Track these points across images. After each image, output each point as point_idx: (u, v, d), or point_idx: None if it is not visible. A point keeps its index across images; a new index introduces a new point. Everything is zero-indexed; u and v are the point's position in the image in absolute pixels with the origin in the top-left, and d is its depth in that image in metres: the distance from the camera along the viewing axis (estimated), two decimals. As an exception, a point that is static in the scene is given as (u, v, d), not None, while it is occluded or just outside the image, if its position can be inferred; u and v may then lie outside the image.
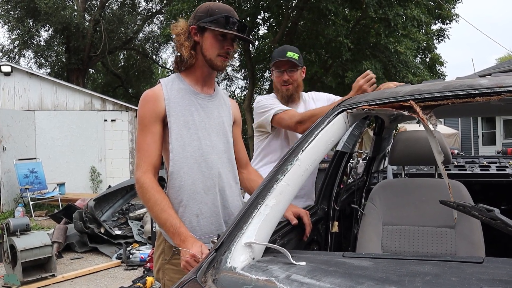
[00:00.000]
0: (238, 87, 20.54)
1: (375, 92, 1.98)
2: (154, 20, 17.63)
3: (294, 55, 2.47)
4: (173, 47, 18.82)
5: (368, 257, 1.37)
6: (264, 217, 1.34)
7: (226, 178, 1.89)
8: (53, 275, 4.74)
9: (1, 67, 9.85)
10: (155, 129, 1.75)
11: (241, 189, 2.03)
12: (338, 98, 2.76)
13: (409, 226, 2.33)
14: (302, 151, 1.58)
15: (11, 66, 10.04)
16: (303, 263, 1.16)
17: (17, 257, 4.49)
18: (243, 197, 2.12)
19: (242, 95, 19.13)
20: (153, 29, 18.33)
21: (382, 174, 3.82)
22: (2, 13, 15.04)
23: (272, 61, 2.55)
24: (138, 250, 5.45)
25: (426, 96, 1.61)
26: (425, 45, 13.45)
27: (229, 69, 18.49)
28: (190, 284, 1.10)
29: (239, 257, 1.20)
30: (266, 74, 16.13)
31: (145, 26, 17.84)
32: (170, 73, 21.68)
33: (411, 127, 13.28)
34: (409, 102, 1.64)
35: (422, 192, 2.34)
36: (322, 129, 1.69)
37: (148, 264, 4.86)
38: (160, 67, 21.81)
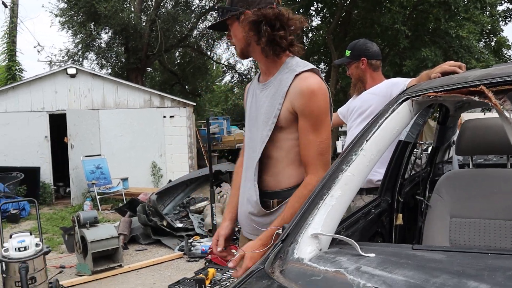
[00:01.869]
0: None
1: (441, 78, 1.88)
2: (208, 17, 17.91)
3: (347, 52, 2.85)
4: (227, 43, 19.03)
5: (439, 250, 1.31)
6: (330, 208, 1.32)
7: (250, 174, 1.75)
8: (120, 265, 4.97)
9: (67, 69, 10.44)
10: None
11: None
12: (400, 80, 2.79)
13: (479, 219, 2.21)
14: (367, 140, 1.54)
15: (76, 68, 10.61)
16: (372, 255, 1.13)
17: (87, 248, 4.75)
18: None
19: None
20: (206, 25, 18.65)
21: (446, 165, 3.66)
22: (66, 19, 15.91)
23: None
24: (199, 242, 5.58)
25: (499, 80, 1.51)
26: (489, 28, 12.65)
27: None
28: (258, 274, 1.11)
29: (306, 248, 1.19)
30: (321, 66, 15.93)
31: (199, 23, 18.17)
32: (224, 68, 21.98)
33: (469, 116, 12.63)
34: (480, 87, 1.55)
35: (493, 183, 2.22)
36: (386, 118, 1.64)
37: (209, 256, 4.97)
38: (215, 63, 22.15)
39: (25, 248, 3.93)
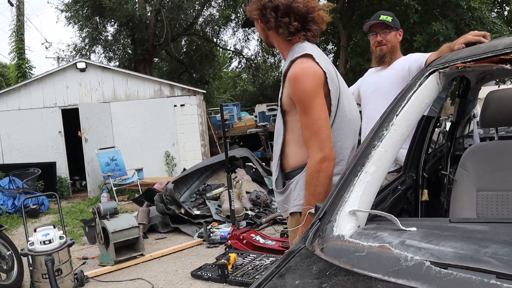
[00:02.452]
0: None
1: (468, 48, 1.84)
2: (212, 3, 17.78)
3: (387, 18, 2.69)
4: (233, 28, 18.88)
5: (479, 222, 1.29)
6: (365, 185, 1.31)
7: (275, 156, 1.91)
8: (142, 254, 5.02)
9: (77, 64, 10.46)
10: None
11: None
12: (420, 55, 2.73)
13: (506, 191, 2.18)
14: (397, 115, 1.51)
15: (86, 63, 10.62)
16: (414, 229, 1.11)
17: (109, 239, 4.81)
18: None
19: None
20: (212, 12, 18.53)
21: (467, 139, 3.61)
22: (72, 14, 15.89)
23: (367, 26, 2.75)
24: (218, 228, 5.61)
25: (532, 46, 1.47)
26: (501, -2, 12.36)
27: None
28: (301, 253, 1.10)
29: (345, 226, 1.18)
30: (329, 47, 15.74)
31: (204, 10, 18.03)
32: (231, 54, 21.86)
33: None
34: (511, 55, 1.51)
35: (519, 154, 2.18)
36: (414, 92, 1.61)
37: (229, 241, 5.00)
38: (221, 49, 22.03)
39: (50, 241, 4.00)
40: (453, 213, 2.32)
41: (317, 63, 1.70)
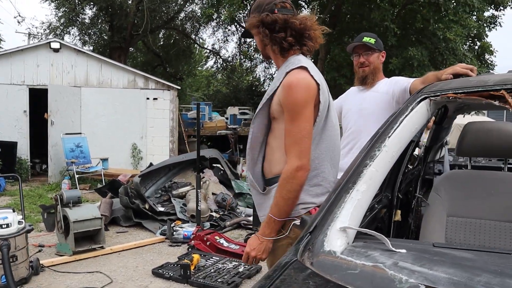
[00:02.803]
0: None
1: (459, 79, 1.91)
2: (196, 0, 17.64)
3: (370, 39, 2.72)
4: (213, 28, 18.82)
5: (462, 249, 1.33)
6: (356, 202, 1.33)
7: (252, 159, 1.93)
8: (102, 247, 4.90)
9: (51, 43, 10.12)
10: None
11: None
12: (401, 79, 2.80)
13: (475, 219, 2.26)
14: (389, 137, 1.55)
15: (60, 43, 10.29)
16: (404, 251, 1.14)
17: (69, 228, 4.66)
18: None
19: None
20: (194, 9, 18.39)
21: (437, 164, 3.73)
22: (50, -10, 15.41)
23: (350, 47, 2.79)
24: (181, 227, 5.55)
25: (520, 86, 1.54)
26: (475, 32, 12.86)
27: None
28: (295, 265, 1.10)
29: (336, 241, 1.19)
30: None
31: (186, 5, 17.87)
32: (209, 53, 21.74)
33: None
34: (501, 92, 1.58)
35: (490, 185, 2.27)
36: (406, 116, 1.65)
37: (193, 241, 4.95)
38: (199, 47, 21.87)
39: (8, 225, 3.84)
40: (424, 235, 2.38)
41: (312, 75, 1.77)
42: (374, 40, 2.75)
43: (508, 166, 2.58)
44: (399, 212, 2.52)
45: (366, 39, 2.71)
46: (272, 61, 2.02)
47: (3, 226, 3.80)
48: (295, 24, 1.78)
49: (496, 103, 1.59)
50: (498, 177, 2.35)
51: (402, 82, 2.76)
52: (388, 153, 1.51)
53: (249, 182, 1.97)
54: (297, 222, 1.54)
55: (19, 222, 3.95)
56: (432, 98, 1.75)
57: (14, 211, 3.98)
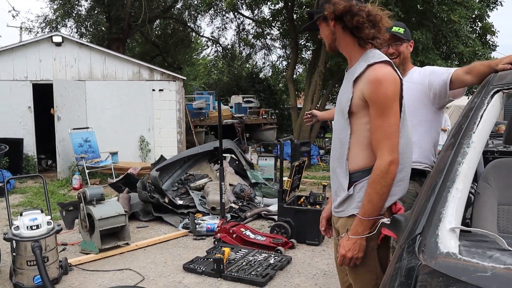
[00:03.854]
0: (278, 56, 20.30)
1: None
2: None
3: (399, 29, 2.65)
4: (211, 16, 18.60)
5: None
6: (457, 201, 1.30)
7: (332, 160, 1.96)
8: (127, 243, 4.87)
9: (53, 37, 9.95)
10: None
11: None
12: (439, 68, 2.71)
13: (527, 207, 2.26)
14: (474, 133, 1.53)
15: (62, 37, 10.12)
16: None
17: (94, 226, 4.62)
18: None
19: (284, 64, 18.85)
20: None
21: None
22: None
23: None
24: (203, 220, 5.53)
25: None
26: (477, 12, 12.76)
27: (267, 38, 18.22)
28: (425, 270, 1.08)
29: (449, 242, 1.17)
30: (309, 44, 15.82)
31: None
32: (208, 42, 21.54)
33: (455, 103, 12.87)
34: None
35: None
36: (484, 110, 1.63)
37: (218, 234, 4.93)
38: (198, 36, 21.64)
39: (38, 227, 3.80)
40: (476, 224, 2.37)
41: (395, 70, 1.75)
42: (403, 29, 2.69)
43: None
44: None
45: (395, 29, 2.64)
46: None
47: (33, 227, 3.76)
48: (376, 17, 1.76)
49: None
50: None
51: (440, 73, 2.66)
52: (476, 149, 1.49)
53: (333, 180, 1.96)
54: (386, 220, 1.51)
55: (48, 223, 3.92)
56: (505, 90, 1.72)
57: (42, 211, 3.94)
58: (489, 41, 14.12)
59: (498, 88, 1.73)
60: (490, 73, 2.29)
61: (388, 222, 1.50)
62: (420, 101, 2.67)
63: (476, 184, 2.72)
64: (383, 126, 1.71)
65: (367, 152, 1.80)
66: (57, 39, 9.90)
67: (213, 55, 22.00)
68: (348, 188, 1.84)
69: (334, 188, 1.95)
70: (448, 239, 1.18)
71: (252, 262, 4.19)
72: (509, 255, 1.09)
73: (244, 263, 4.16)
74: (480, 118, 1.60)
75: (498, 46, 14.71)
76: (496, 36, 14.18)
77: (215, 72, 23.43)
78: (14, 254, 3.83)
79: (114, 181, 7.43)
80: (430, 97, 2.65)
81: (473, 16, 13.14)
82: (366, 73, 1.74)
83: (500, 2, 13.75)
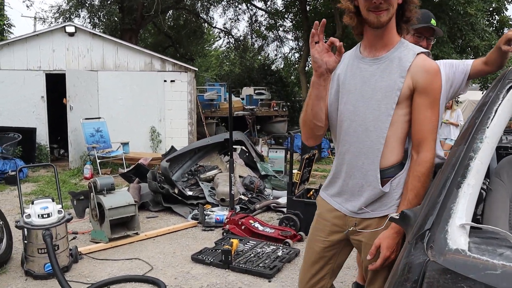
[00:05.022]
0: (290, 48, 20.17)
1: None
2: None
3: (435, 22, 2.51)
4: (223, 7, 18.55)
5: None
6: (469, 197, 1.27)
7: (358, 150, 1.76)
8: (137, 233, 4.91)
9: (66, 27, 10.00)
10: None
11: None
12: (456, 61, 2.65)
13: (541, 203, 2.21)
14: (487, 127, 1.49)
15: (75, 27, 10.16)
16: None
17: (104, 215, 4.66)
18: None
19: (296, 56, 18.71)
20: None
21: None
22: (58, -28, 15.18)
23: (416, 27, 2.41)
24: (212, 211, 5.54)
25: None
26: (494, 5, 12.52)
27: (280, 29, 18.10)
28: (433, 267, 1.05)
29: (459, 239, 1.14)
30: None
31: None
32: (221, 33, 21.50)
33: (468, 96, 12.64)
34: None
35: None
36: (499, 105, 1.59)
37: (227, 226, 4.94)
38: (211, 27, 21.61)
39: (49, 215, 3.84)
40: (487, 221, 2.33)
41: None
42: (435, 22, 2.57)
43: None
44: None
45: (433, 21, 2.49)
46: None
47: (44, 216, 3.80)
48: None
49: None
50: None
51: (459, 66, 2.60)
52: (489, 144, 1.45)
53: (355, 178, 1.79)
54: (395, 215, 1.49)
55: (59, 212, 3.96)
56: (521, 85, 1.67)
57: (53, 200, 3.98)
58: (506, 35, 13.86)
59: None
60: (500, 55, 2.26)
61: (397, 217, 1.47)
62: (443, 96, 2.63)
63: (488, 180, 2.68)
64: (432, 119, 1.67)
65: (401, 147, 1.73)
66: (70, 29, 9.94)
67: (225, 46, 21.95)
68: (382, 186, 1.73)
69: (354, 186, 1.79)
70: (458, 236, 1.15)
71: (260, 254, 4.20)
72: (520, 253, 1.06)
73: (252, 255, 4.16)
74: (495, 113, 1.56)
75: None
76: (514, 30, 13.92)
77: (227, 63, 23.39)
78: (25, 241, 3.89)
79: (125, 171, 7.47)
80: (448, 89, 2.60)
81: (490, 9, 12.91)
82: (419, 62, 1.66)
83: (520, -6, 13.45)
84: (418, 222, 1.31)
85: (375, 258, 1.66)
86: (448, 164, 1.45)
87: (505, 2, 12.84)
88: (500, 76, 1.88)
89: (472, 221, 1.28)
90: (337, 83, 1.82)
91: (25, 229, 3.84)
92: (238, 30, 30.23)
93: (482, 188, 2.76)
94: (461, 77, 2.57)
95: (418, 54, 1.67)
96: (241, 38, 19.99)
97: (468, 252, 1.09)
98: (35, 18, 21.86)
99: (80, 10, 16.23)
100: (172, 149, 8.03)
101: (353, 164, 1.77)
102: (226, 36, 20.68)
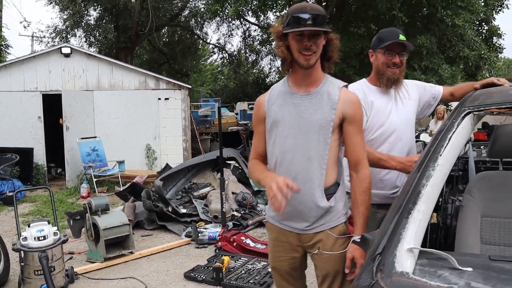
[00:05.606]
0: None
1: (499, 93, 1.96)
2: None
3: (404, 38, 2.45)
4: (217, 22, 18.84)
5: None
6: (418, 223, 1.40)
7: (304, 177, 1.94)
8: (131, 252, 5.01)
9: (62, 49, 10.19)
10: (259, 129, 2.08)
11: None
12: (427, 85, 2.77)
13: (509, 219, 2.33)
14: (440, 155, 1.62)
15: (71, 48, 10.36)
16: (470, 269, 1.21)
17: (99, 235, 4.77)
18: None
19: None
20: (196, 5, 18.39)
21: (461, 160, 3.78)
22: (54, -7, 15.45)
23: (382, 42, 2.47)
24: (205, 228, 5.65)
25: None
26: (482, 16, 12.79)
27: (273, 44, 18.32)
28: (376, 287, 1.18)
29: (405, 262, 1.27)
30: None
31: (189, 2, 17.87)
32: (215, 49, 21.75)
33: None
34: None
35: (522, 185, 2.33)
36: (453, 132, 1.72)
37: (220, 243, 5.05)
38: (205, 43, 21.88)
39: (45, 237, 3.94)
40: (460, 237, 2.45)
41: None
42: (406, 39, 2.51)
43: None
44: (435, 214, 2.59)
45: (402, 37, 2.44)
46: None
47: (40, 238, 3.91)
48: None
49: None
50: (531, 178, 2.41)
51: (430, 91, 2.68)
52: (442, 171, 1.59)
53: (303, 203, 1.95)
54: (357, 238, 1.62)
55: (55, 234, 4.06)
56: (476, 112, 1.81)
57: (49, 222, 4.09)
58: (496, 44, 14.13)
59: (470, 110, 1.83)
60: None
61: (359, 240, 1.60)
62: (414, 117, 2.71)
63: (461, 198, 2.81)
64: (362, 142, 1.98)
65: (337, 166, 1.98)
66: (66, 50, 10.13)
67: (219, 61, 22.21)
68: (328, 201, 1.96)
69: (304, 209, 1.95)
70: (405, 259, 1.28)
71: (251, 270, 4.31)
72: (457, 275, 1.19)
73: (243, 272, 4.28)
74: (449, 141, 1.69)
75: (505, 48, 14.69)
76: (503, 39, 14.19)
77: (222, 78, 23.64)
78: (22, 264, 3.99)
79: (121, 189, 7.58)
80: (419, 110, 2.72)
81: (479, 19, 13.18)
82: (344, 95, 1.93)
83: (506, 5, 13.75)
84: (372, 246, 1.44)
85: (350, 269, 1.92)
86: (403, 191, 1.58)
87: (493, 12, 13.13)
88: (459, 103, 2.02)
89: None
90: (274, 118, 1.99)
91: (22, 252, 3.94)
92: (232, 45, 30.56)
93: (456, 205, 2.90)
94: (432, 102, 2.70)
95: (341, 87, 1.94)
96: (235, 53, 20.25)
97: (411, 275, 1.22)
98: (32, 37, 22.15)
99: (76, 30, 16.48)
100: (167, 166, 8.16)
101: (301, 191, 1.91)
102: (220, 52, 20.95)
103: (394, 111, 2.57)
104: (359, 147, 1.97)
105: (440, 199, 3.04)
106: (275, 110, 1.98)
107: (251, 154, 2.17)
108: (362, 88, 2.59)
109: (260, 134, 2.08)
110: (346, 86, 1.97)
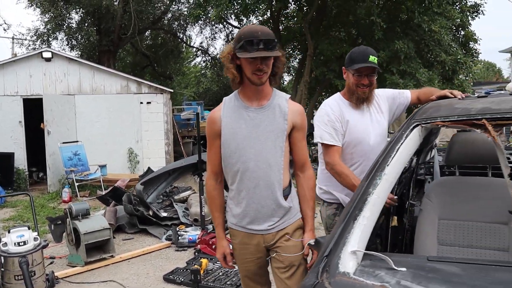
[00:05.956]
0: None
1: (446, 106, 2.13)
2: (181, -1, 17.71)
3: (375, 59, 2.57)
4: (200, 26, 18.93)
5: (453, 262, 1.57)
6: (363, 227, 1.57)
7: (265, 183, 2.14)
8: (112, 256, 5.10)
9: (42, 53, 10.19)
10: (215, 143, 2.21)
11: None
12: (396, 93, 2.94)
13: (464, 221, 2.51)
14: (388, 165, 1.78)
15: (52, 52, 10.36)
16: (404, 269, 1.38)
17: (80, 240, 4.85)
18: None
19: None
20: (180, 8, 18.44)
21: (427, 165, 3.98)
22: (35, -4, 15.33)
23: (352, 64, 2.60)
24: (186, 231, 5.76)
25: (498, 116, 1.78)
26: (458, 21, 13.13)
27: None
28: (318, 287, 1.34)
29: (348, 263, 1.43)
30: (295, 53, 16.19)
31: (172, 5, 17.92)
32: (198, 52, 21.80)
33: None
34: (482, 121, 1.81)
35: (476, 190, 2.51)
36: (401, 144, 1.89)
37: (199, 246, 5.17)
38: (188, 46, 21.93)
39: (25, 243, 4.01)
40: (418, 238, 2.63)
41: None
42: (376, 58, 2.61)
43: (492, 172, 2.83)
44: (395, 218, 2.77)
45: (372, 58, 2.54)
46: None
47: (21, 243, 3.98)
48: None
49: (478, 131, 1.82)
50: (483, 183, 2.60)
51: (400, 98, 2.86)
52: (388, 180, 1.75)
53: (267, 206, 2.16)
54: (312, 241, 1.78)
55: (35, 239, 4.14)
56: (423, 125, 1.98)
57: (29, 228, 4.16)
58: (472, 48, 14.52)
59: (418, 123, 2.00)
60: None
61: (313, 243, 1.76)
62: (387, 130, 2.88)
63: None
64: (306, 146, 2.29)
65: (288, 170, 2.22)
66: (47, 54, 10.14)
67: (203, 64, 22.28)
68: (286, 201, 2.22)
69: (267, 212, 2.16)
70: (348, 261, 1.44)
71: (229, 272, 4.44)
72: (391, 274, 1.36)
73: (220, 273, 4.41)
74: (396, 151, 1.86)
75: (480, 53, 15.11)
76: (479, 44, 14.60)
77: (204, 81, 23.72)
78: (2, 269, 4.05)
79: (103, 193, 7.65)
80: (390, 117, 2.91)
81: (456, 25, 13.53)
82: (292, 107, 2.18)
83: (482, 11, 14.14)
84: (322, 249, 1.60)
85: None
86: (352, 199, 1.74)
87: (468, 18, 13.49)
88: (410, 116, 2.19)
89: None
90: (231, 131, 2.15)
91: (2, 257, 4.01)
92: (215, 48, 30.63)
93: (415, 206, 3.09)
94: (401, 107, 2.90)
95: (288, 99, 2.20)
96: (218, 56, 20.35)
97: (351, 275, 1.38)
98: (13, 38, 21.91)
99: (57, 33, 16.37)
100: (149, 170, 8.25)
101: (264, 196, 2.14)
102: (203, 55, 21.04)
103: (370, 127, 2.74)
104: (304, 150, 2.26)
105: (407, 202, 3.24)
106: (231, 124, 2.15)
107: (208, 170, 2.33)
108: (338, 103, 2.74)
109: (216, 148, 2.21)
110: (291, 98, 2.23)
